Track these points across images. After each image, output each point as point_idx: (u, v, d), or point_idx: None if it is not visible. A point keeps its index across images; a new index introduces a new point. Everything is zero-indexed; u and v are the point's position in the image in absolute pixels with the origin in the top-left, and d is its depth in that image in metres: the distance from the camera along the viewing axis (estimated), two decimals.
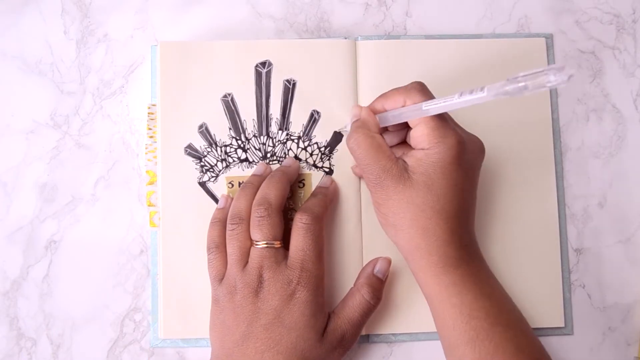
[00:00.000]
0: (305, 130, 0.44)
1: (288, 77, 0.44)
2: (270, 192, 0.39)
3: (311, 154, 0.44)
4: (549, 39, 0.46)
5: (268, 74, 0.44)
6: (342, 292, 0.42)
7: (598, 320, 0.45)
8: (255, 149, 0.44)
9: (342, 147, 0.44)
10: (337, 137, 0.44)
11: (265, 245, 0.38)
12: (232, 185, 0.44)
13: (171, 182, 0.43)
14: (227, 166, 0.44)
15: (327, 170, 0.44)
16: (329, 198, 0.42)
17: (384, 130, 0.40)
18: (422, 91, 0.37)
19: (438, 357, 0.38)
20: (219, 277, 0.39)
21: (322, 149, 0.44)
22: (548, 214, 0.44)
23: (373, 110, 0.39)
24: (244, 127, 0.44)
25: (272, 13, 0.47)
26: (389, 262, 0.41)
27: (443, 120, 0.36)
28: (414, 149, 0.37)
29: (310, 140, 0.44)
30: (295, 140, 0.44)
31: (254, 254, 0.38)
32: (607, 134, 0.47)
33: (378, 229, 0.42)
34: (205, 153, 0.44)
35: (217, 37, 0.46)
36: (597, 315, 0.45)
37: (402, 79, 0.44)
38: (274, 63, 0.44)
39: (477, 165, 0.39)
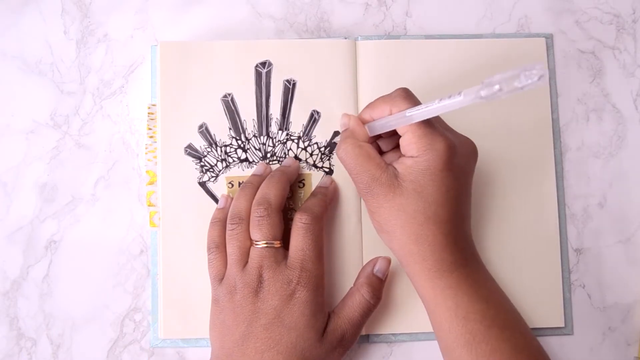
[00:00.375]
0: (305, 130, 0.44)
1: (288, 77, 0.44)
2: (270, 192, 0.39)
3: (311, 154, 0.44)
4: (549, 39, 0.46)
5: (268, 74, 0.44)
6: (342, 291, 0.42)
7: (598, 320, 0.45)
8: (255, 149, 0.44)
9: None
10: (336, 138, 0.44)
11: (265, 245, 0.38)
12: (232, 185, 0.44)
13: (171, 182, 0.43)
14: (227, 166, 0.44)
15: (327, 170, 0.44)
16: (329, 198, 0.42)
17: (378, 136, 0.40)
18: (407, 98, 0.37)
19: (438, 357, 0.38)
20: (219, 277, 0.39)
21: (322, 149, 0.44)
22: (548, 214, 0.44)
23: (362, 120, 0.40)
24: (244, 127, 0.44)
25: (272, 13, 0.47)
26: (389, 261, 0.41)
27: (430, 126, 0.36)
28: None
29: (310, 140, 0.44)
30: (295, 140, 0.44)
31: (254, 253, 0.38)
32: (607, 134, 0.47)
33: None
34: (205, 153, 0.44)
35: (217, 37, 0.47)
36: (597, 315, 0.45)
37: (402, 79, 0.44)
38: (274, 63, 0.44)
39: (470, 167, 0.38)
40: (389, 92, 0.38)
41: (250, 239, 0.39)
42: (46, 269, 0.44)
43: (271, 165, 0.44)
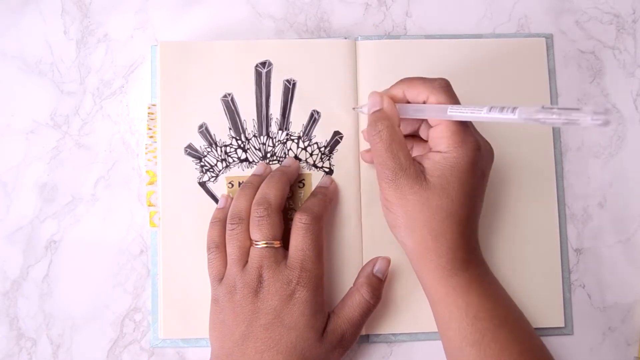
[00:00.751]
0: (305, 130, 0.44)
1: (288, 77, 0.44)
2: (270, 191, 0.39)
3: (311, 154, 0.44)
4: (549, 39, 0.46)
5: (268, 74, 0.44)
6: (341, 291, 0.42)
7: (598, 320, 0.45)
8: (255, 149, 0.44)
9: (342, 147, 0.44)
10: (336, 138, 0.44)
11: (265, 245, 0.38)
12: (232, 185, 0.44)
13: (171, 182, 0.43)
14: (227, 166, 0.44)
15: (327, 170, 0.44)
16: (329, 198, 0.42)
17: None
18: (449, 92, 0.36)
19: (438, 357, 0.38)
20: (219, 277, 0.39)
21: (322, 149, 0.44)
22: (548, 214, 0.44)
23: (392, 98, 0.38)
24: (244, 127, 0.44)
25: (272, 13, 0.47)
26: (389, 261, 0.41)
27: (464, 124, 0.36)
28: (424, 141, 0.37)
29: (310, 140, 0.44)
30: (295, 140, 0.44)
31: (254, 253, 0.38)
32: (607, 134, 0.47)
33: (378, 229, 0.43)
34: (205, 153, 0.44)
35: (217, 37, 0.47)
36: (597, 315, 0.45)
37: (402, 78, 0.44)
38: (274, 63, 0.44)
39: (488, 171, 0.38)
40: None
41: (250, 239, 0.39)
42: (46, 269, 0.44)
43: (271, 165, 0.44)
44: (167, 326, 0.42)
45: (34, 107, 0.46)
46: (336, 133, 0.44)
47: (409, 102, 0.38)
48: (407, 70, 0.44)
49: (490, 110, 0.32)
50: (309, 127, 0.44)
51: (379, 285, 0.40)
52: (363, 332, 0.42)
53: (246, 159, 0.44)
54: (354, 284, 0.41)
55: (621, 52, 0.47)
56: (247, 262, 0.38)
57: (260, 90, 0.44)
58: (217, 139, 0.44)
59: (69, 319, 0.44)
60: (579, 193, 0.46)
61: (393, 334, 0.43)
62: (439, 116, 0.35)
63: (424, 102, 0.37)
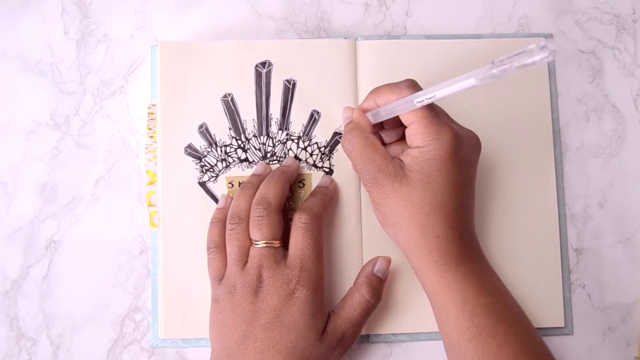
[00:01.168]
0: (305, 130, 0.44)
1: (288, 77, 0.44)
2: (270, 191, 0.39)
3: (311, 154, 0.44)
4: (549, 39, 0.46)
5: (268, 74, 0.44)
6: (341, 291, 0.42)
7: (598, 320, 0.45)
8: (255, 149, 0.44)
9: (341, 147, 0.44)
10: (336, 138, 0.44)
11: (265, 245, 0.38)
12: (232, 185, 0.44)
13: (171, 182, 0.43)
14: (227, 166, 0.44)
15: (327, 170, 0.44)
16: (329, 197, 0.42)
17: (381, 128, 0.40)
18: (414, 88, 0.37)
19: (438, 357, 0.38)
20: (219, 277, 0.39)
21: (322, 149, 0.44)
22: (548, 214, 0.44)
23: (364, 109, 0.40)
24: (244, 127, 0.44)
25: (272, 13, 0.47)
26: (389, 261, 0.41)
27: (437, 116, 0.36)
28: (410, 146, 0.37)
29: (310, 140, 0.44)
30: (295, 140, 0.44)
31: (253, 253, 0.38)
32: (607, 134, 0.47)
33: (378, 229, 0.42)
34: (205, 153, 0.44)
35: (217, 37, 0.47)
36: (597, 315, 0.45)
37: (402, 79, 0.44)
38: (274, 63, 0.44)
39: (474, 160, 0.39)
40: None
41: (250, 239, 0.39)
42: (46, 269, 0.44)
43: (271, 165, 0.44)
44: (167, 326, 0.42)
45: (34, 107, 0.46)
46: (336, 133, 0.44)
47: None
48: (407, 70, 0.45)
49: (449, 84, 0.32)
50: (309, 127, 0.44)
51: (379, 285, 0.40)
52: (363, 332, 0.42)
53: (246, 159, 0.44)
54: (354, 284, 0.41)
55: (621, 52, 0.47)
56: (247, 262, 0.38)
57: (260, 90, 0.44)
58: (217, 139, 0.44)
59: (69, 319, 0.44)
60: (579, 193, 0.46)
61: (393, 334, 0.43)
62: (408, 108, 0.36)
63: None
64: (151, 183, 0.44)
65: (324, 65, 0.44)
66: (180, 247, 0.43)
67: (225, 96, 0.44)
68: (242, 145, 0.44)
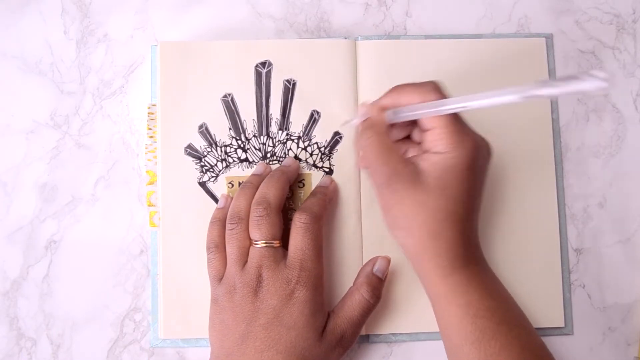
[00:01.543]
0: (305, 130, 0.44)
1: (288, 77, 0.44)
2: (269, 191, 0.39)
3: (311, 154, 0.44)
4: (549, 39, 0.46)
5: (268, 74, 0.44)
6: (341, 291, 0.42)
7: (598, 320, 0.45)
8: (255, 149, 0.44)
9: (342, 147, 0.44)
10: (336, 137, 0.44)
11: (264, 245, 0.38)
12: (232, 185, 0.44)
13: (171, 182, 0.43)
14: (227, 166, 0.44)
15: (327, 170, 0.44)
16: (328, 197, 0.42)
17: (389, 125, 0.40)
18: (440, 93, 0.36)
19: (438, 357, 0.38)
20: (219, 277, 0.39)
21: (322, 149, 0.44)
22: (548, 214, 0.44)
23: (383, 107, 0.38)
24: (244, 127, 0.44)
25: (272, 13, 0.47)
26: (389, 261, 0.41)
27: (461, 124, 0.36)
28: (418, 144, 0.37)
29: (310, 140, 0.44)
30: (295, 140, 0.44)
31: (253, 253, 0.38)
32: (607, 134, 0.47)
33: (378, 229, 0.43)
34: (205, 153, 0.44)
35: (217, 37, 0.47)
36: (597, 315, 0.45)
37: (402, 79, 0.44)
38: (274, 63, 0.44)
39: (486, 168, 0.38)
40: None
41: (250, 239, 0.39)
42: (46, 269, 0.44)
43: (271, 165, 0.44)
44: (167, 326, 0.42)
45: (34, 107, 0.46)
46: (336, 133, 0.44)
47: None
48: (407, 70, 0.45)
49: (485, 97, 0.31)
50: (309, 127, 0.44)
51: (379, 285, 0.40)
52: (363, 332, 0.42)
53: (246, 159, 0.44)
54: (353, 284, 0.41)
55: (621, 52, 0.47)
56: (246, 261, 0.38)
57: (260, 90, 0.44)
58: (217, 139, 0.44)
59: (69, 319, 0.44)
60: (579, 193, 0.46)
61: (393, 334, 0.43)
62: (435, 113, 0.35)
63: None
64: (151, 183, 0.44)
65: (324, 65, 0.44)
66: (180, 247, 0.43)
67: (225, 96, 0.44)
68: (242, 145, 0.44)
